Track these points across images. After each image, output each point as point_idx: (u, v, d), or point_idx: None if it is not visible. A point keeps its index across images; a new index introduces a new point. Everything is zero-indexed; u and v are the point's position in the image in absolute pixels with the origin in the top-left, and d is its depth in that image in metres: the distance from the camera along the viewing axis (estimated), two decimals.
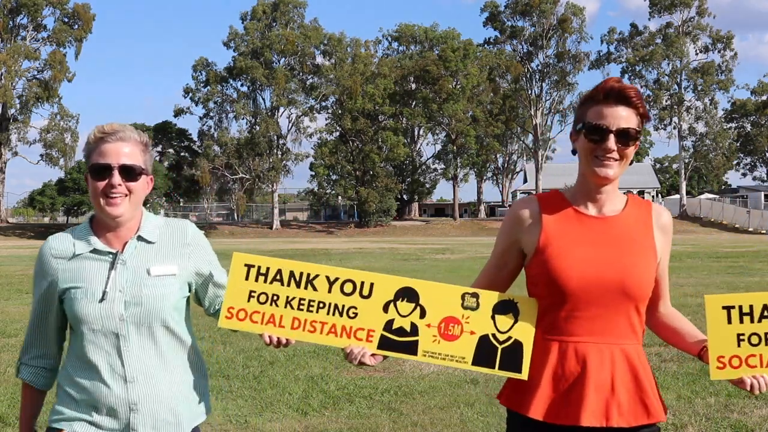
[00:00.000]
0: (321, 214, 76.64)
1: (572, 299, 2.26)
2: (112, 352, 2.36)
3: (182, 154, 70.43)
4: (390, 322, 2.40)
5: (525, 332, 2.35)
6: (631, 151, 2.29)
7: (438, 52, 68.98)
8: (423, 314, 2.39)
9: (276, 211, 67.29)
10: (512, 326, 2.36)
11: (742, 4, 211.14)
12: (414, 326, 2.39)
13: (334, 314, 2.41)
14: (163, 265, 2.42)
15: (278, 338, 2.41)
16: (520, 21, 71.85)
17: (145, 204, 2.51)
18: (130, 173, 2.37)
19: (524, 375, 2.32)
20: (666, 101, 69.53)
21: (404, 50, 76.69)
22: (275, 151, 67.37)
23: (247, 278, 2.43)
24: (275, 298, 2.42)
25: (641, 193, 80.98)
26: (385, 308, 2.41)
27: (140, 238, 2.44)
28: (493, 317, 2.37)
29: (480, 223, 67.66)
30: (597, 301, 2.25)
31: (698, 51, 70.15)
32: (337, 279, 2.44)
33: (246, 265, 2.44)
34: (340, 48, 67.78)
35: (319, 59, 68.66)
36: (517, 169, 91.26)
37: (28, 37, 65.42)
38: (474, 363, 2.36)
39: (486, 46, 72.55)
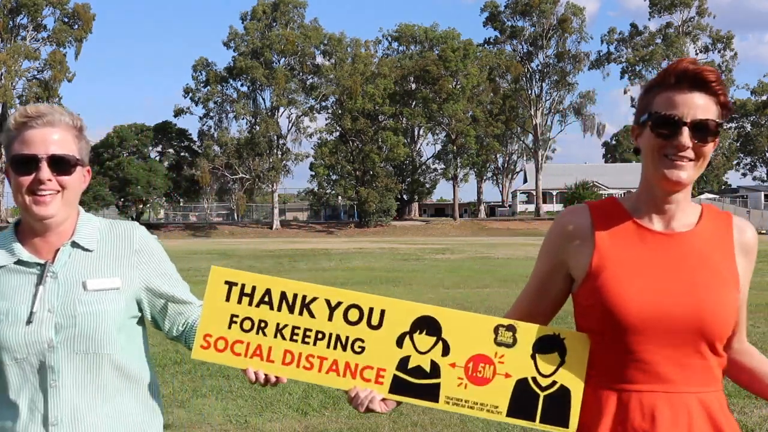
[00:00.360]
0: (321, 214, 76.65)
1: (634, 337, 1.80)
2: (37, 386, 1.92)
3: (182, 154, 70.36)
4: (405, 360, 1.98)
5: (573, 377, 1.92)
6: (709, 148, 1.83)
7: (438, 52, 69.00)
8: (446, 351, 1.97)
9: (276, 211, 67.30)
10: (557, 369, 1.93)
11: (742, 4, 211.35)
12: (435, 366, 1.97)
13: (335, 348, 1.99)
14: (103, 278, 1.99)
15: (266, 375, 1.98)
16: (520, 21, 72.05)
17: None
18: (61, 165, 1.95)
19: (572, 430, 1.91)
20: None
21: (404, 50, 76.69)
22: (275, 151, 67.39)
23: (227, 299, 2.01)
24: (263, 325, 2.00)
25: None
26: (399, 342, 1.99)
27: (75, 245, 2.00)
28: (533, 357, 1.95)
29: (480, 223, 67.66)
30: (665, 340, 1.80)
31: (698, 51, 70.28)
32: (339, 303, 2.00)
33: (227, 282, 2.01)
34: (340, 48, 67.81)
35: (319, 59, 68.81)
36: (517, 169, 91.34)
37: (28, 37, 65.45)
38: (510, 414, 1.94)
39: (486, 46, 72.66)
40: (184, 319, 2.14)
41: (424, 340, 1.98)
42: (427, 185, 75.80)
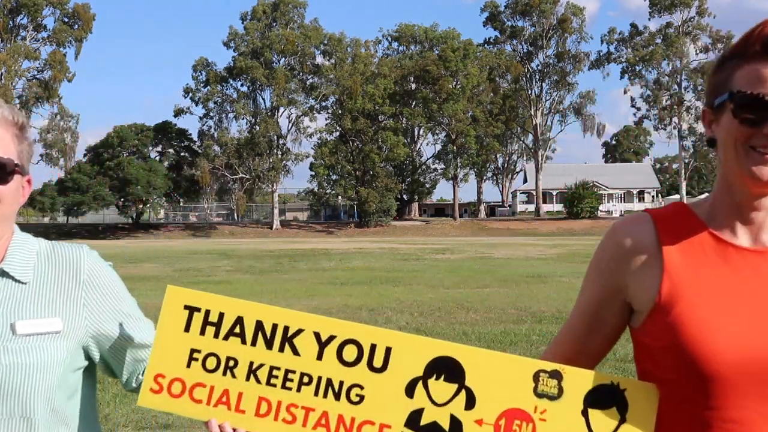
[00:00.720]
0: (321, 214, 76.68)
1: (722, 389, 1.36)
2: None
3: (182, 154, 70.42)
4: (417, 414, 1.51)
5: None
6: None
7: (438, 52, 69.07)
8: (471, 403, 1.50)
9: (276, 211, 67.34)
10: (617, 429, 1.46)
11: (742, 4, 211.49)
12: (456, 422, 1.50)
13: (326, 396, 1.52)
14: (39, 318, 1.54)
15: (234, 430, 1.52)
16: (520, 21, 72.17)
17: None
18: None
19: None
20: (666, 101, 69.69)
21: (404, 50, 76.73)
22: (275, 151, 67.44)
23: (187, 329, 1.56)
24: (232, 363, 1.55)
25: (641, 193, 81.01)
26: (410, 390, 1.52)
27: (4, 275, 1.56)
28: (584, 413, 1.48)
29: (480, 223, 67.70)
30: (763, 391, 1.36)
31: (698, 51, 70.34)
32: (332, 338, 1.54)
33: (187, 307, 1.57)
34: (340, 48, 67.87)
35: (319, 59, 68.91)
36: (517, 169, 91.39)
37: (28, 37, 65.47)
38: None
39: (486, 46, 72.76)
40: (145, 366, 1.67)
41: (441, 387, 1.51)
42: (427, 185, 75.87)
